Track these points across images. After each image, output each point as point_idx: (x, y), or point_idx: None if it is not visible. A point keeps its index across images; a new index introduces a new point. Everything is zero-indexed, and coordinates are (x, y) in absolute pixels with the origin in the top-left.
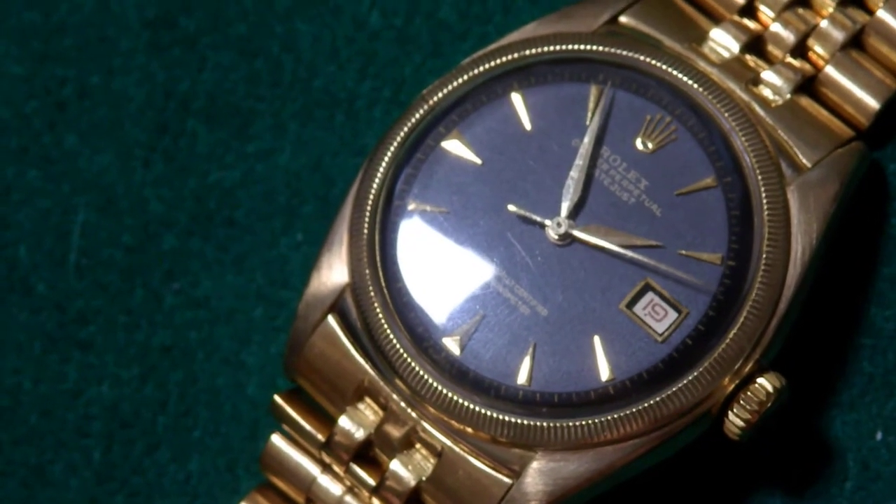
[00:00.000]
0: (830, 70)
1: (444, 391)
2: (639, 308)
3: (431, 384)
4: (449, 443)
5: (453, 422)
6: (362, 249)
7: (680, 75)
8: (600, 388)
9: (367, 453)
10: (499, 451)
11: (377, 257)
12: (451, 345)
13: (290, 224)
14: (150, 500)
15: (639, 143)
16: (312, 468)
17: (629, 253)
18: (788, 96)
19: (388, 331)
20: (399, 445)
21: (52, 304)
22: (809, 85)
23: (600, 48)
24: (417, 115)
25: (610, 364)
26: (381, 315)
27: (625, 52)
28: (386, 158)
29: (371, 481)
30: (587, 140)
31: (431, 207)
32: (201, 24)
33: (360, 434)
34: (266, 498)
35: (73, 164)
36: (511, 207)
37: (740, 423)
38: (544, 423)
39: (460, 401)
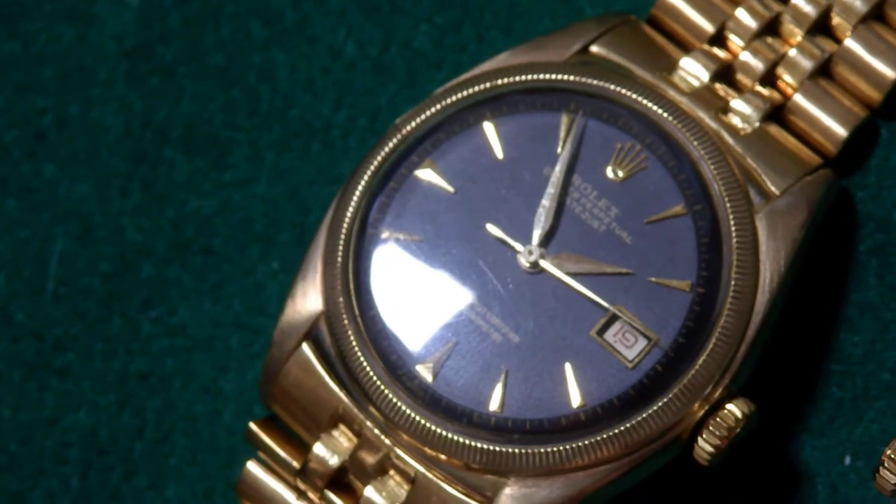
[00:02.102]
0: (799, 98)
1: (418, 418)
2: (609, 335)
3: (405, 411)
4: (422, 469)
5: (427, 449)
6: (336, 277)
7: (650, 104)
8: (571, 415)
9: (342, 480)
10: (472, 477)
11: (351, 285)
12: (424, 372)
13: (266, 252)
14: None
15: (609, 172)
16: (288, 495)
17: (591, 294)
18: (757, 124)
19: (362, 358)
20: (373, 472)
21: (31, 332)
22: (778, 113)
23: (572, 77)
24: (391, 145)
25: (581, 391)
26: (354, 343)
27: (596, 82)
28: (360, 187)
29: None
30: (558, 169)
31: (405, 236)
32: (179, 54)
33: (334, 461)
34: None
35: (52, 193)
36: (490, 226)
37: (710, 448)
38: (516, 450)
39: (433, 428)
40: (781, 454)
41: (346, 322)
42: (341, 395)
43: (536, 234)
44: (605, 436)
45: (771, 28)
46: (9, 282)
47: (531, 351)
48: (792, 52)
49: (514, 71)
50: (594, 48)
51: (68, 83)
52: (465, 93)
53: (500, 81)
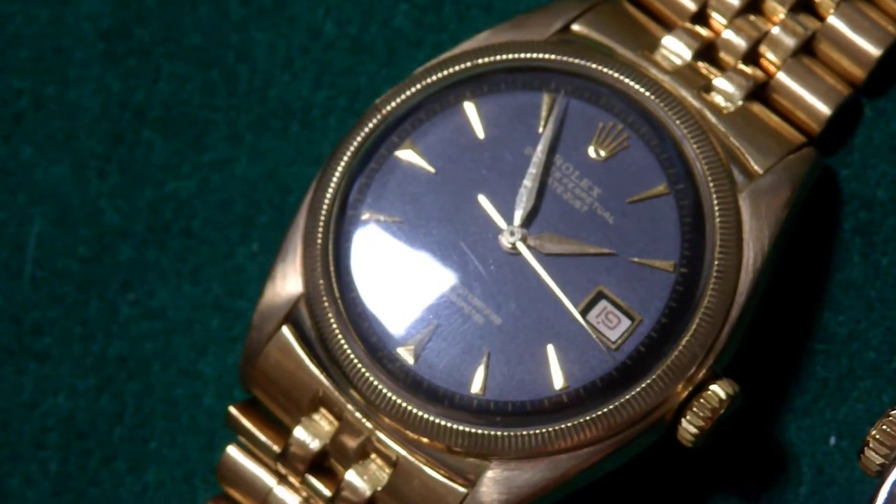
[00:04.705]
0: (782, 76)
1: (399, 401)
2: (592, 316)
3: (386, 394)
4: (404, 453)
5: (408, 432)
6: (316, 259)
7: (632, 83)
8: (554, 397)
9: (323, 464)
10: (454, 460)
11: (331, 267)
12: (406, 354)
13: (246, 234)
14: None
15: (591, 151)
16: (268, 479)
17: (559, 292)
18: (740, 103)
19: (343, 341)
20: (354, 456)
21: (8, 316)
22: (761, 91)
23: (553, 56)
24: (371, 125)
25: (563, 372)
26: (335, 325)
27: (577, 61)
28: (339, 168)
29: (327, 492)
30: (540, 148)
31: (385, 217)
32: (156, 34)
33: (315, 445)
34: None
35: (29, 175)
36: (481, 197)
37: (694, 429)
38: (499, 432)
39: (415, 411)
40: (766, 435)
41: (326, 304)
42: (322, 378)
43: (518, 215)
44: (588, 418)
45: (753, 6)
46: None
47: (513, 332)
48: (775, 30)
49: (494, 50)
50: (575, 26)
51: (45, 64)
52: (445, 72)
53: (480, 61)
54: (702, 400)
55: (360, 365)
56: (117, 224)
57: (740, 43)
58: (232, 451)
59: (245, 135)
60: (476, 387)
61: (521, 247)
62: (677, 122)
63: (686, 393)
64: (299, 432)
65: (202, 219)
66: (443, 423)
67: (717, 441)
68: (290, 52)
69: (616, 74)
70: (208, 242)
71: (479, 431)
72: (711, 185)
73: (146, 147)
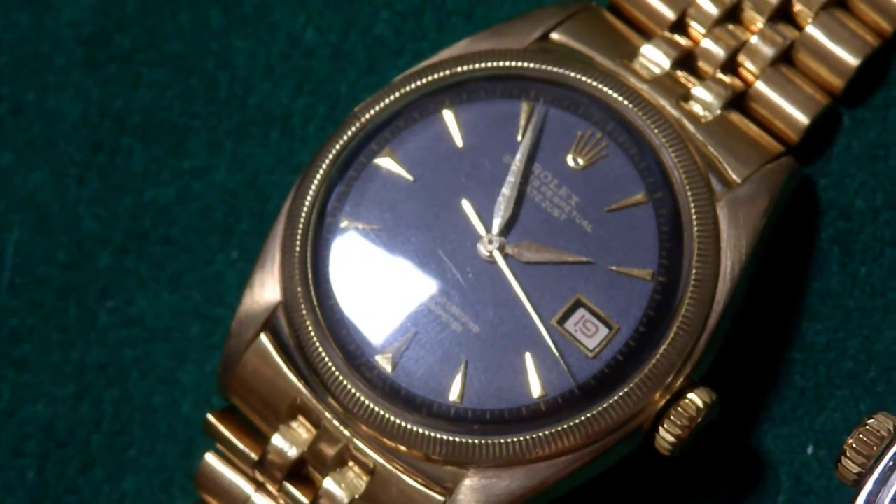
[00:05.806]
0: (760, 85)
1: (377, 409)
2: (570, 324)
3: (364, 402)
4: (382, 461)
5: (386, 440)
6: (294, 267)
7: (611, 92)
8: (532, 405)
9: (301, 471)
10: (432, 468)
11: (309, 275)
12: (383, 362)
13: (225, 241)
14: None
15: (570, 160)
16: (246, 487)
17: (528, 306)
18: (718, 112)
19: (321, 349)
20: (332, 463)
21: None
22: (740, 100)
23: (532, 65)
24: (349, 133)
25: (541, 380)
26: (313, 333)
27: (556, 69)
28: (318, 176)
29: (304, 500)
30: (519, 157)
31: (364, 224)
32: (136, 41)
33: (292, 452)
34: None
35: (8, 181)
36: (465, 202)
37: (671, 438)
38: (476, 441)
39: (393, 419)
40: (744, 443)
41: (304, 312)
42: (300, 385)
43: (496, 223)
44: (566, 426)
45: (732, 15)
46: None
47: (491, 340)
48: (753, 39)
49: (474, 58)
50: (555, 35)
51: (24, 70)
52: (424, 80)
53: (459, 69)
54: (679, 408)
55: (337, 373)
56: (96, 231)
57: (719, 52)
58: (210, 458)
59: (225, 142)
60: (454, 395)
61: (497, 256)
62: (656, 130)
63: (664, 401)
64: (277, 440)
65: (181, 226)
66: (420, 431)
67: (694, 450)
68: (270, 59)
69: (595, 83)
70: (188, 250)
71: (457, 439)
72: (689, 193)
73: (126, 154)
